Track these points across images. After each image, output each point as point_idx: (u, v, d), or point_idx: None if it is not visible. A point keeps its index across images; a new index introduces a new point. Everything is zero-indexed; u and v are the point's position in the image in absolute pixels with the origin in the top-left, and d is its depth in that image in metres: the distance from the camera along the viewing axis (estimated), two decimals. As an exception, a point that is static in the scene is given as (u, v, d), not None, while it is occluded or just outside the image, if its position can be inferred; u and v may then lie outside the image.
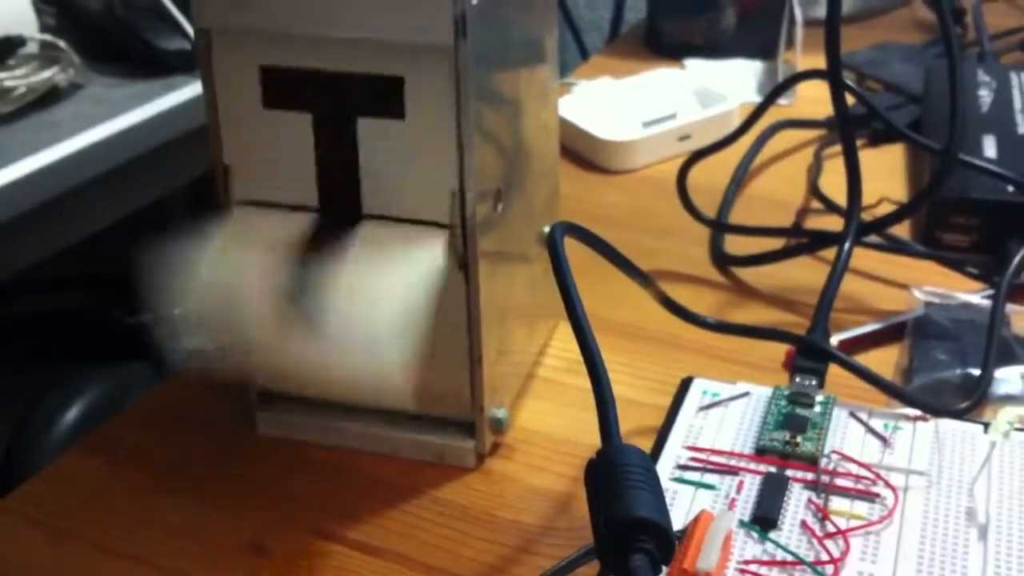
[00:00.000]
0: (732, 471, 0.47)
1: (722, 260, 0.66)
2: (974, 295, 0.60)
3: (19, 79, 0.80)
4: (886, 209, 0.66)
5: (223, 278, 0.48)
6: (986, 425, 0.49)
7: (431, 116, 0.45)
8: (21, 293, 1.05)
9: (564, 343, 0.59)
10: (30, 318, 1.07)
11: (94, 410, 0.92)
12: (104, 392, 0.93)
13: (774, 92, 0.72)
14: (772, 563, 0.43)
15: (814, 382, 0.51)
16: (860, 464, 0.47)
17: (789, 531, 0.44)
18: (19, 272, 0.80)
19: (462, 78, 0.44)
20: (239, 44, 0.46)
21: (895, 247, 0.65)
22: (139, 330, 1.06)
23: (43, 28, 0.88)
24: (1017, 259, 0.60)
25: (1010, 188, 0.65)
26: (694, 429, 0.50)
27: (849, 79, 0.86)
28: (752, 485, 0.46)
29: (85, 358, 1.01)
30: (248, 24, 0.45)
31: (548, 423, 0.54)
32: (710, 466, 0.48)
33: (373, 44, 0.44)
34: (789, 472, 0.47)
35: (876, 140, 0.79)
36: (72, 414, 0.91)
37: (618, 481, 0.35)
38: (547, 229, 0.55)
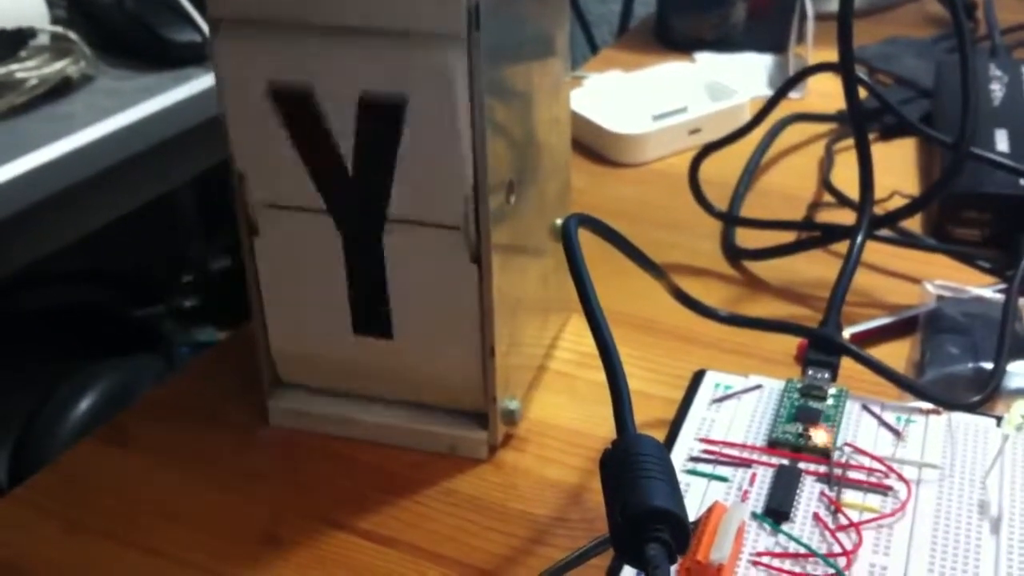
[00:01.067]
0: (745, 463, 0.47)
1: (734, 253, 0.66)
2: (986, 289, 0.60)
3: (31, 71, 0.80)
4: (898, 203, 0.66)
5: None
6: (999, 419, 0.49)
7: (444, 107, 0.45)
8: (32, 286, 1.05)
9: (576, 336, 0.59)
10: (41, 311, 1.08)
11: (105, 402, 0.92)
12: (114, 384, 0.93)
13: (786, 86, 0.72)
14: (784, 555, 0.43)
15: (826, 375, 0.51)
16: (873, 457, 0.47)
17: (802, 523, 0.44)
18: (30, 264, 0.80)
19: (475, 69, 0.44)
20: (252, 36, 0.45)
21: (907, 241, 0.65)
22: (150, 322, 1.06)
23: (54, 20, 0.88)
24: (1029, 253, 0.60)
25: (1022, 182, 0.64)
26: (707, 422, 0.50)
27: (860, 73, 0.86)
28: (765, 477, 0.46)
29: (95, 350, 1.01)
30: (261, 15, 0.45)
31: (560, 415, 0.54)
32: (723, 458, 0.48)
33: (387, 35, 0.44)
34: (802, 465, 0.47)
35: (887, 134, 0.79)
36: (83, 406, 0.91)
37: (634, 471, 0.35)
38: (559, 222, 0.56)
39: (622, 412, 0.37)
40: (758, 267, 0.65)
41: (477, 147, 0.45)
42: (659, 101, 0.81)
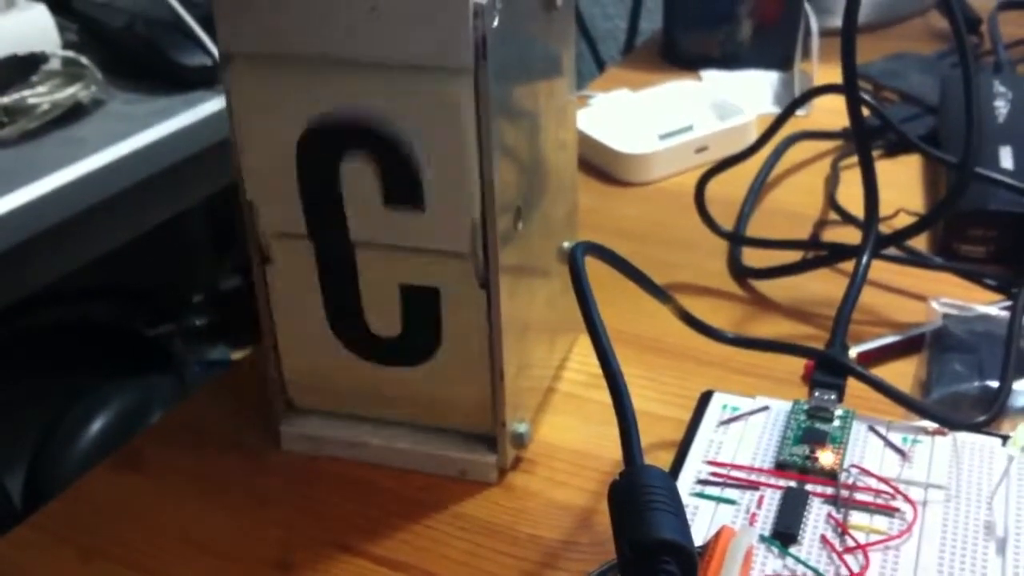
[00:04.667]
0: (752, 486, 0.48)
1: (740, 273, 0.67)
2: (992, 307, 0.60)
3: (42, 96, 0.81)
4: (903, 220, 0.66)
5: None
6: (1005, 438, 0.49)
7: (453, 136, 0.45)
8: (45, 305, 1.06)
9: (584, 356, 0.60)
10: (54, 330, 1.08)
11: (118, 423, 0.93)
12: (128, 405, 0.94)
13: (791, 106, 0.73)
14: (793, 578, 0.43)
15: (833, 396, 0.52)
16: (879, 478, 0.47)
17: (809, 546, 0.44)
18: (44, 286, 0.81)
19: (483, 99, 0.44)
20: (264, 69, 0.46)
21: (913, 259, 0.66)
22: (162, 342, 1.07)
23: (65, 45, 0.89)
24: (1035, 271, 0.61)
25: (1027, 200, 0.65)
26: (714, 444, 0.50)
27: (865, 90, 0.86)
28: (772, 500, 0.47)
29: (108, 370, 1.02)
30: (271, 49, 0.45)
31: (569, 437, 0.54)
32: (730, 481, 0.48)
33: (395, 68, 0.45)
34: (809, 487, 0.47)
35: (892, 150, 0.79)
36: (96, 427, 0.92)
37: (641, 502, 0.35)
38: (567, 245, 0.56)
39: (629, 443, 0.37)
40: (765, 286, 0.65)
41: (485, 174, 0.46)
42: (665, 120, 0.82)
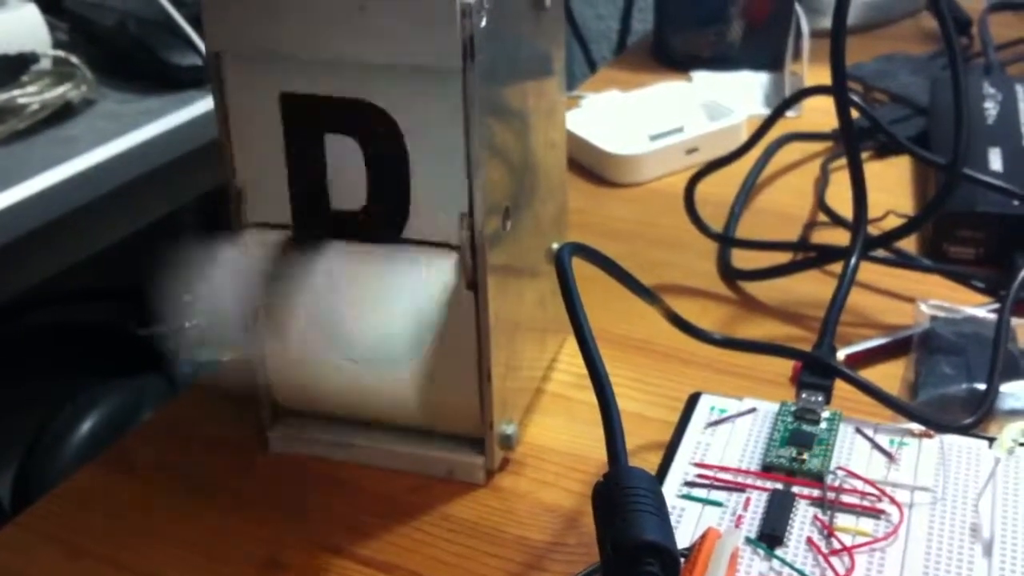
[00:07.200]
0: (739, 488, 0.48)
1: (730, 274, 0.67)
2: (980, 309, 0.60)
3: (33, 96, 0.81)
4: (893, 222, 0.66)
5: (230, 290, 0.49)
6: (991, 440, 0.50)
7: (441, 137, 0.45)
8: (35, 306, 1.06)
9: (574, 357, 0.59)
10: (44, 331, 1.08)
11: (108, 423, 0.92)
12: (118, 405, 0.94)
13: (781, 107, 0.73)
14: (778, 580, 0.43)
15: (820, 398, 0.52)
16: (865, 481, 0.47)
17: (795, 548, 0.45)
18: (34, 286, 0.81)
19: (470, 100, 0.44)
20: (252, 68, 0.46)
21: (901, 261, 0.66)
22: (152, 342, 1.07)
23: (56, 44, 0.88)
24: (1023, 272, 0.61)
25: (1015, 202, 0.65)
26: (701, 445, 0.50)
27: (855, 91, 0.86)
28: (759, 502, 0.47)
29: (99, 370, 1.01)
30: (259, 49, 0.46)
31: (557, 438, 0.54)
32: (717, 483, 0.48)
33: (383, 68, 0.45)
34: (795, 489, 0.47)
35: (882, 152, 0.80)
36: (86, 427, 0.91)
37: (625, 504, 0.35)
38: (556, 246, 0.56)
39: (614, 445, 0.37)
40: (754, 287, 0.65)
41: (473, 176, 0.46)
42: (656, 121, 0.82)
